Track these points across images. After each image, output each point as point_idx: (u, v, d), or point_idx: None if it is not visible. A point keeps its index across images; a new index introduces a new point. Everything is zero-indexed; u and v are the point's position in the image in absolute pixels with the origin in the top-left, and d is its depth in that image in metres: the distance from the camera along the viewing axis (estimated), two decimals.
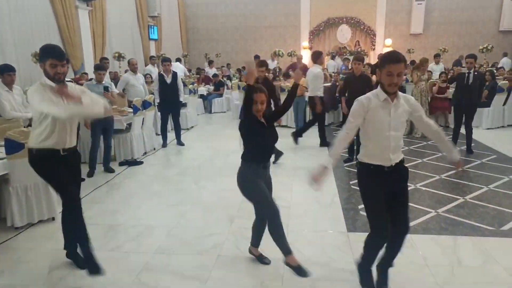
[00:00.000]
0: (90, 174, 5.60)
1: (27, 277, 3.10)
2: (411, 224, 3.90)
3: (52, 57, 2.81)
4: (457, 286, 2.94)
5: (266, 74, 5.61)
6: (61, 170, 2.96)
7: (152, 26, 15.49)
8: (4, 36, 8.07)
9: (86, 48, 10.72)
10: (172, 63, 8.02)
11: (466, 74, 6.47)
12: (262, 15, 18.85)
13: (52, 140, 2.90)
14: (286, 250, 2.95)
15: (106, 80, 6.19)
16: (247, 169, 3.04)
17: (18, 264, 3.30)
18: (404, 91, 9.45)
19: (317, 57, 7.24)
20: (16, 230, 3.87)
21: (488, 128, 8.51)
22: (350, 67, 10.90)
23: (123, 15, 13.39)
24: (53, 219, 4.11)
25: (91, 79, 6.12)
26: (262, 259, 3.30)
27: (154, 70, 10.41)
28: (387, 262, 2.83)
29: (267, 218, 3.01)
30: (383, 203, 2.59)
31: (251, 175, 3.01)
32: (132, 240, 3.70)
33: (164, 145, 7.41)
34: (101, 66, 5.59)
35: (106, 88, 5.42)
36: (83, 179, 5.36)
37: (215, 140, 8.11)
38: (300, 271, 2.89)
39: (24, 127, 4.48)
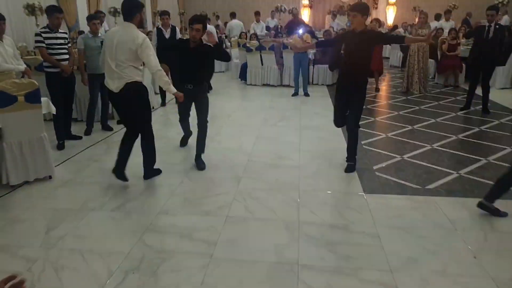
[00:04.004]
0: (88, 132, 5.29)
1: (22, 237, 2.88)
2: (432, 185, 3.71)
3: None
4: (492, 253, 2.71)
5: (207, 36, 4.08)
6: None
7: None
8: None
9: (80, 4, 10.09)
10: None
11: (486, 28, 6.04)
12: None
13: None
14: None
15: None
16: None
17: (13, 223, 3.06)
18: (406, 48, 9.05)
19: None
20: (12, 188, 3.62)
21: (502, 88, 8.15)
22: None
23: None
24: (50, 177, 3.85)
25: (81, 32, 5.65)
26: None
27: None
28: None
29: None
30: None
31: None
32: (134, 200, 3.46)
33: (163, 103, 7.08)
34: (94, 16, 5.12)
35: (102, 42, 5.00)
36: (80, 137, 5.11)
37: (215, 99, 7.74)
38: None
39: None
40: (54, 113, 4.29)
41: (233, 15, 11.87)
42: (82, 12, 10.14)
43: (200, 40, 3.93)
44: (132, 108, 3.58)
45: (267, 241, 2.83)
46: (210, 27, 8.66)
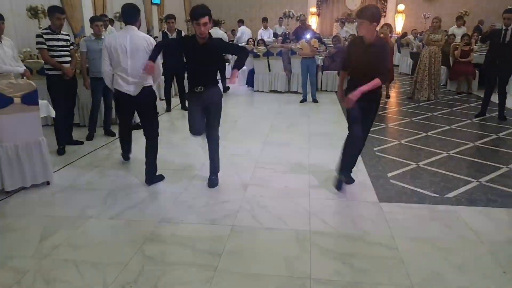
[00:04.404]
0: (90, 137, 5.14)
1: (14, 246, 2.69)
2: (451, 194, 3.47)
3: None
4: None
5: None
6: None
7: None
8: None
9: (86, 10, 10.06)
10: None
11: (503, 31, 5.82)
12: None
13: None
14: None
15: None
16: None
17: (5, 231, 2.88)
18: (417, 54, 8.86)
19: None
20: (7, 194, 3.45)
21: None
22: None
23: None
24: (48, 183, 3.68)
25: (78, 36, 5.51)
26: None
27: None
28: None
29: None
30: None
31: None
32: (134, 207, 3.26)
33: (168, 109, 6.92)
34: (97, 17, 4.97)
35: None
36: (82, 142, 4.95)
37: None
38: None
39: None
40: (54, 116, 4.13)
41: (241, 22, 11.79)
42: (88, 18, 10.09)
43: (208, 34, 3.37)
44: (146, 112, 3.69)
45: (276, 253, 2.61)
46: (223, 34, 8.46)
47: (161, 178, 3.80)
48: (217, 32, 8.78)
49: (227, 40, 10.31)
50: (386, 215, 3.10)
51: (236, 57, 3.55)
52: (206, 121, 3.61)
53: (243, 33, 11.23)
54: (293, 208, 3.23)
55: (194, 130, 3.67)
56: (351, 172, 3.68)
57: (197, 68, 3.46)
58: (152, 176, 3.73)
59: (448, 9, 16.59)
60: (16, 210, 3.23)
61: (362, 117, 3.36)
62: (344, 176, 3.53)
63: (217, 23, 9.00)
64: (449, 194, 3.50)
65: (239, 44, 9.41)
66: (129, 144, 4.26)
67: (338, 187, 3.55)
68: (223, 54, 6.81)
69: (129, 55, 3.46)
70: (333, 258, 2.54)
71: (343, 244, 2.72)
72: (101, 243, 2.72)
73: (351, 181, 3.66)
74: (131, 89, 3.54)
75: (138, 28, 3.59)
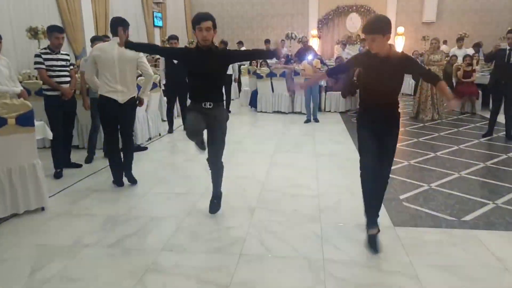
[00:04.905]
0: (89, 159, 4.96)
1: (2, 279, 2.47)
2: (468, 217, 3.29)
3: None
4: None
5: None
6: None
7: (157, 13, 14.88)
8: (1, 19, 7.37)
9: (87, 31, 10.07)
10: None
11: (507, 51, 5.77)
12: (269, 2, 18.08)
13: None
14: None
15: None
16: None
17: None
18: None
19: None
20: None
21: None
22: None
23: (127, 0, 12.76)
24: (43, 209, 3.49)
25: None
26: None
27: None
28: None
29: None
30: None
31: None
32: (134, 234, 3.06)
33: (170, 130, 6.78)
34: (98, 37, 4.85)
35: None
36: (80, 165, 4.78)
37: None
38: None
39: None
40: (51, 138, 3.98)
41: (241, 43, 11.84)
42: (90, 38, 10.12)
43: (212, 43, 3.04)
44: (128, 119, 4.02)
45: (288, 283, 2.41)
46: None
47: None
48: None
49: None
50: (402, 241, 2.91)
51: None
52: (209, 144, 3.25)
53: None
54: (304, 234, 3.03)
55: (192, 134, 3.09)
56: (377, 225, 2.86)
57: (203, 81, 3.07)
58: (131, 175, 4.15)
59: (446, 31, 16.80)
60: (6, 239, 3.02)
61: (377, 145, 2.77)
62: (370, 228, 2.81)
63: (226, 43, 9.01)
64: (466, 217, 3.31)
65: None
66: (119, 164, 4.07)
67: (372, 245, 2.76)
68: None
69: (117, 64, 3.77)
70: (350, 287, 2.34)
71: (359, 273, 2.52)
72: (98, 275, 2.51)
73: (372, 243, 2.79)
74: (119, 97, 3.82)
75: None
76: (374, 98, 2.79)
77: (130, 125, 4.10)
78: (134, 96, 3.99)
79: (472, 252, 2.76)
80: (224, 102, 3.33)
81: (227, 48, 3.36)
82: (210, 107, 3.08)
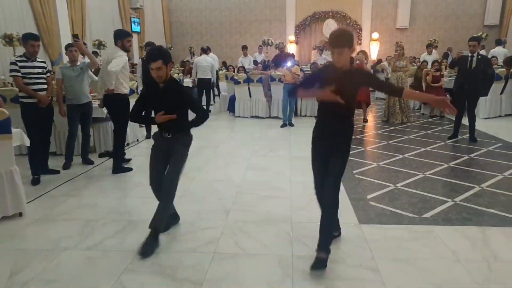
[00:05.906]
0: (66, 166, 5.01)
1: None
2: (428, 214, 3.54)
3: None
4: (499, 284, 2.52)
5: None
6: None
7: (135, 19, 14.84)
8: None
9: (64, 37, 10.00)
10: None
11: (469, 58, 6.12)
12: (247, 8, 18.31)
13: None
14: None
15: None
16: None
17: None
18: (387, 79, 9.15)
19: None
20: None
21: (485, 118, 8.21)
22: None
23: (104, 5, 12.68)
24: (20, 214, 3.55)
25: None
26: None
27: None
28: None
29: None
30: None
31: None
32: (112, 237, 3.17)
33: (148, 136, 6.85)
34: (72, 44, 4.88)
35: (82, 69, 4.87)
36: (58, 172, 4.83)
37: (202, 131, 7.57)
38: None
39: None
40: (28, 145, 4.03)
41: (208, 50, 12.06)
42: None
43: (168, 76, 3.00)
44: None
45: (259, 278, 2.57)
46: (214, 58, 8.64)
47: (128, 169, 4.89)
48: (205, 59, 8.93)
49: (217, 63, 10.28)
50: (367, 237, 3.12)
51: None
52: (169, 163, 3.11)
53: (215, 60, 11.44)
54: (276, 233, 3.21)
55: (156, 187, 3.17)
56: (327, 252, 2.72)
57: (161, 110, 3.01)
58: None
59: (420, 36, 17.43)
60: None
61: (324, 165, 2.81)
62: (318, 251, 2.70)
63: (205, 51, 9.15)
64: (427, 214, 3.56)
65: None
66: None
67: (315, 266, 2.62)
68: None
69: (105, 65, 4.60)
70: (316, 282, 2.52)
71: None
72: (76, 276, 2.61)
73: (318, 265, 2.65)
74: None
75: (121, 48, 4.64)
76: (329, 110, 2.73)
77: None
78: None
79: (430, 246, 2.99)
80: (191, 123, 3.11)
81: (182, 88, 3.19)
82: (169, 137, 3.06)
